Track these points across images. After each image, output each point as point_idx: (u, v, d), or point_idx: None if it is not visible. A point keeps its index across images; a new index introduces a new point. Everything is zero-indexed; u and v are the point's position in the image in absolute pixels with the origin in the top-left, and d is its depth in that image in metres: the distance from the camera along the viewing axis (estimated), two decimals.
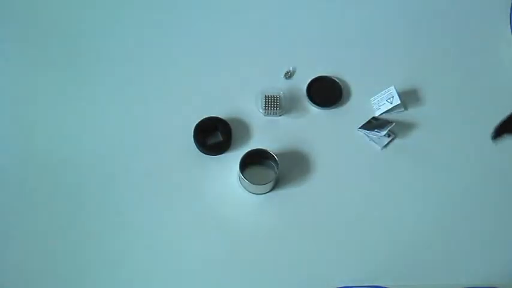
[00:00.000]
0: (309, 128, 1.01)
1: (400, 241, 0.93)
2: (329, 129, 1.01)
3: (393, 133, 1.00)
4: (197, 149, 0.98)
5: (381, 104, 1.01)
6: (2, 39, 1.07)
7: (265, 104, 1.00)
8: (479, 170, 0.99)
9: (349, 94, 1.04)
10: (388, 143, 0.99)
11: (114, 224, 0.93)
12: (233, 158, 0.96)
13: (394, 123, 0.98)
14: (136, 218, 0.93)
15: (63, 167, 0.96)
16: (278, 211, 0.95)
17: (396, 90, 1.00)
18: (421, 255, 0.93)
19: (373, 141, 0.99)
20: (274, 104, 1.00)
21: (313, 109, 1.03)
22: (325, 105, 1.02)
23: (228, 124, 0.99)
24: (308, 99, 1.02)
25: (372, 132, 0.98)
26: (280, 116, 1.02)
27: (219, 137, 0.99)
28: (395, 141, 0.99)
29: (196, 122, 0.98)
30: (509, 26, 1.09)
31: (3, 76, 1.04)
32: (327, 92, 1.03)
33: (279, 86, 1.03)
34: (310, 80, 1.03)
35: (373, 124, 0.99)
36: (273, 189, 0.96)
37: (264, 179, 0.94)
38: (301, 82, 1.04)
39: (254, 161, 0.96)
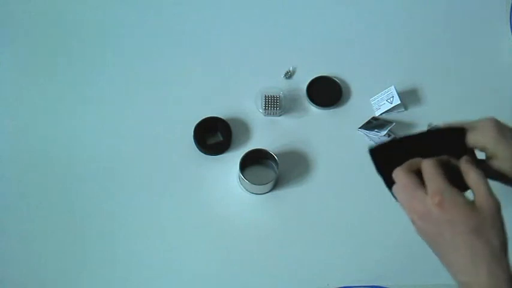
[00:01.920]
0: (309, 128, 1.01)
1: (400, 241, 0.93)
2: (329, 129, 1.01)
3: (393, 133, 1.00)
4: (197, 149, 0.98)
5: (381, 104, 1.01)
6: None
7: (265, 104, 1.00)
8: None
9: (349, 94, 1.04)
10: None
11: (113, 223, 0.93)
12: (233, 158, 0.96)
13: (394, 123, 0.98)
14: (136, 218, 0.93)
15: (62, 167, 0.96)
16: (278, 211, 0.95)
17: (396, 90, 1.00)
18: (421, 255, 0.92)
19: (373, 141, 0.99)
20: (274, 104, 1.00)
21: (313, 109, 1.03)
22: (325, 105, 1.02)
23: (228, 124, 0.99)
24: (308, 99, 1.02)
25: (372, 132, 0.98)
26: (280, 116, 1.02)
27: (219, 137, 0.99)
28: None
29: (196, 122, 0.98)
30: (509, 26, 1.09)
31: (6, 76, 1.04)
32: (327, 92, 1.03)
33: (279, 86, 1.03)
34: (310, 80, 1.03)
35: (373, 124, 0.99)
36: (273, 189, 0.96)
37: (264, 179, 0.94)
38: (301, 82, 1.04)
39: (254, 161, 0.96)
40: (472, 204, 0.59)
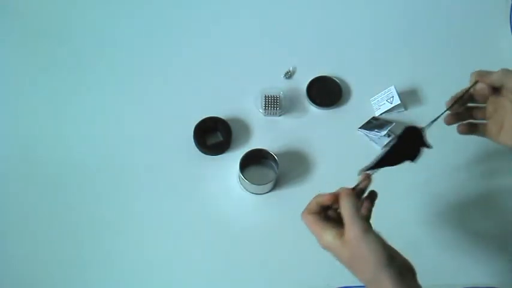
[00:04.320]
0: (309, 128, 1.01)
1: (399, 241, 0.93)
2: (329, 129, 1.01)
3: (393, 133, 1.00)
4: (197, 149, 0.98)
5: (381, 104, 1.01)
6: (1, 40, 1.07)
7: (265, 104, 1.00)
8: (479, 169, 0.99)
9: (349, 94, 1.04)
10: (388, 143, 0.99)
11: (113, 223, 0.93)
12: (233, 158, 0.96)
13: (394, 123, 0.98)
14: (136, 218, 0.93)
15: (62, 167, 0.96)
16: (278, 211, 0.95)
17: (396, 90, 1.00)
18: (420, 255, 0.92)
19: (373, 141, 0.99)
20: (274, 104, 1.00)
21: (313, 109, 1.03)
22: (325, 105, 1.02)
23: (228, 124, 0.99)
24: (308, 99, 1.02)
25: (372, 132, 0.98)
26: (280, 116, 1.02)
27: (219, 137, 0.99)
28: None
29: (196, 122, 0.98)
30: (509, 26, 1.09)
31: (2, 77, 1.04)
32: (327, 92, 1.03)
33: (279, 86, 1.03)
34: (310, 80, 1.03)
35: (373, 124, 0.99)
36: (273, 189, 0.96)
37: (264, 179, 0.94)
38: (301, 82, 1.04)
39: (254, 161, 0.96)
40: (340, 239, 0.65)
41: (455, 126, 0.80)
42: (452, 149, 0.99)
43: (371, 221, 0.71)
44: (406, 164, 0.99)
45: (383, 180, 0.97)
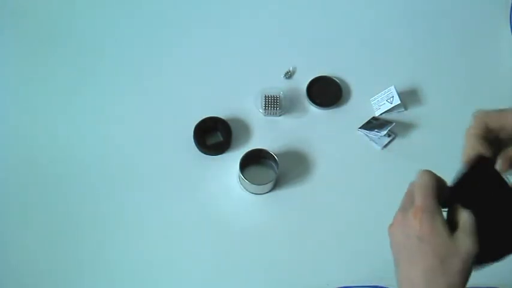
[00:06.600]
0: (309, 128, 1.01)
1: None
2: (329, 129, 1.01)
3: (393, 133, 1.00)
4: (197, 149, 0.98)
5: (381, 104, 1.01)
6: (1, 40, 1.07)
7: (265, 104, 1.00)
8: None
9: (349, 94, 1.04)
10: (388, 143, 0.99)
11: (113, 224, 0.93)
12: (233, 158, 0.95)
13: (394, 123, 0.98)
14: (136, 218, 0.93)
15: (62, 167, 0.96)
16: (278, 211, 0.95)
17: (396, 90, 1.00)
18: None
19: (373, 141, 0.99)
20: (274, 104, 1.00)
21: (313, 109, 1.03)
22: (325, 105, 1.02)
23: (228, 124, 0.99)
24: (308, 99, 1.02)
25: (372, 132, 0.98)
26: (280, 116, 1.02)
27: (219, 137, 0.99)
28: (395, 141, 0.99)
29: (196, 122, 0.98)
30: (509, 26, 1.09)
31: (2, 77, 1.04)
32: (327, 92, 1.03)
33: (279, 86, 1.03)
34: (310, 80, 1.03)
35: (373, 124, 0.99)
36: (273, 189, 0.96)
37: (264, 179, 0.94)
38: (301, 82, 1.04)
39: (254, 161, 0.96)
40: (450, 235, 0.57)
41: None
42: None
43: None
44: (408, 164, 0.98)
45: (383, 180, 0.98)
